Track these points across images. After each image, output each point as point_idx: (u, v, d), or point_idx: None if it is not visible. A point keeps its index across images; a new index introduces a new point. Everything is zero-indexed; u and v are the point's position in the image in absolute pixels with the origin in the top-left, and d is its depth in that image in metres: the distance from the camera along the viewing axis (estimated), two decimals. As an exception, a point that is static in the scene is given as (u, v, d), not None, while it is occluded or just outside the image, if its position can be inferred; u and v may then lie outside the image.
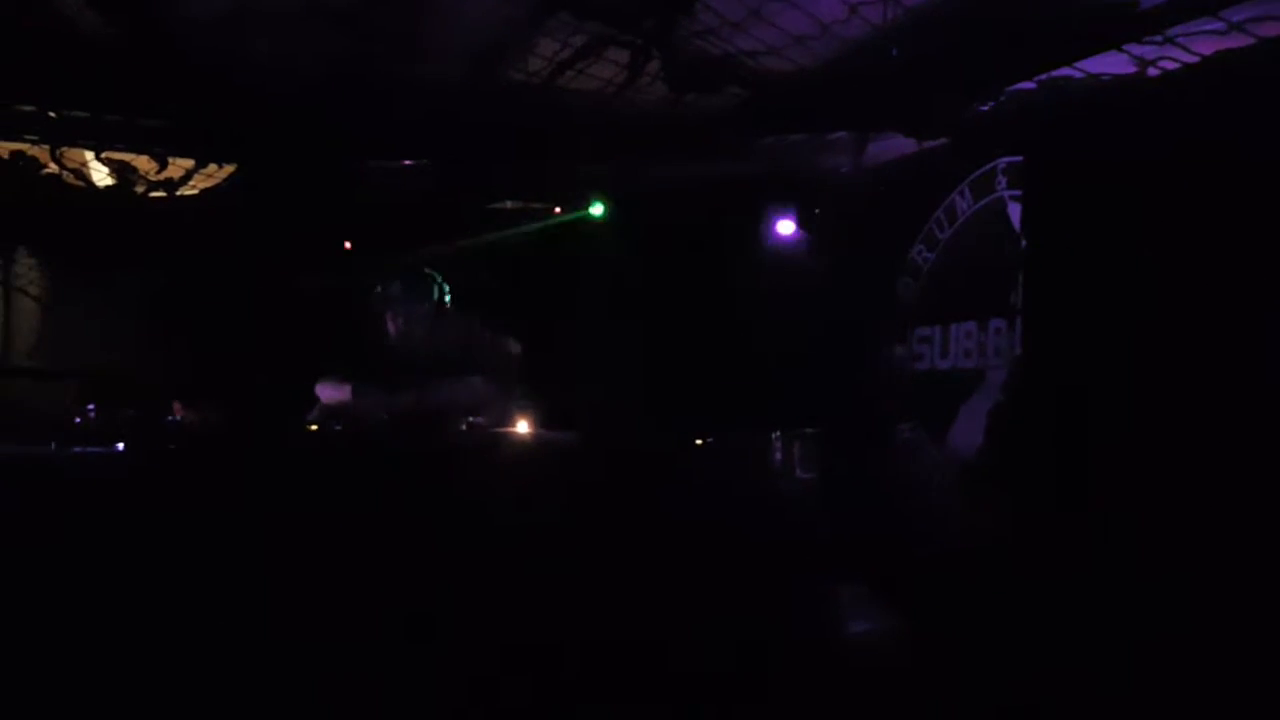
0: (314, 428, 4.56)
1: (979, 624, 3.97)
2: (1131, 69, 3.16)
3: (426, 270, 4.99)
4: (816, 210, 5.46)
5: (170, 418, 4.67)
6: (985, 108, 4.02)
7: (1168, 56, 3.04)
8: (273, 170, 5.07)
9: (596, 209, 5.66)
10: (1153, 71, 3.12)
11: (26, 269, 5.40)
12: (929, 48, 3.50)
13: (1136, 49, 3.13)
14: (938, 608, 4.30)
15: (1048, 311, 3.93)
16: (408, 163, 5.26)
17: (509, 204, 6.02)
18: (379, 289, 4.83)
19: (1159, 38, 3.06)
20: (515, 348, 5.07)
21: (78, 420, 4.48)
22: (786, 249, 5.42)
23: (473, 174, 5.33)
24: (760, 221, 5.34)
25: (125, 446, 4.28)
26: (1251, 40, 2.99)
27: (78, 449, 4.24)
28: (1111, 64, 3.22)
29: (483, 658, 3.53)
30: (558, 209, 5.84)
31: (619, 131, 4.22)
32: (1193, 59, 3.02)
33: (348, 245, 5.85)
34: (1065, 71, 3.52)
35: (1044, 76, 3.61)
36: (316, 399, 4.75)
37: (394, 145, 4.90)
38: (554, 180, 5.53)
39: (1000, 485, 4.33)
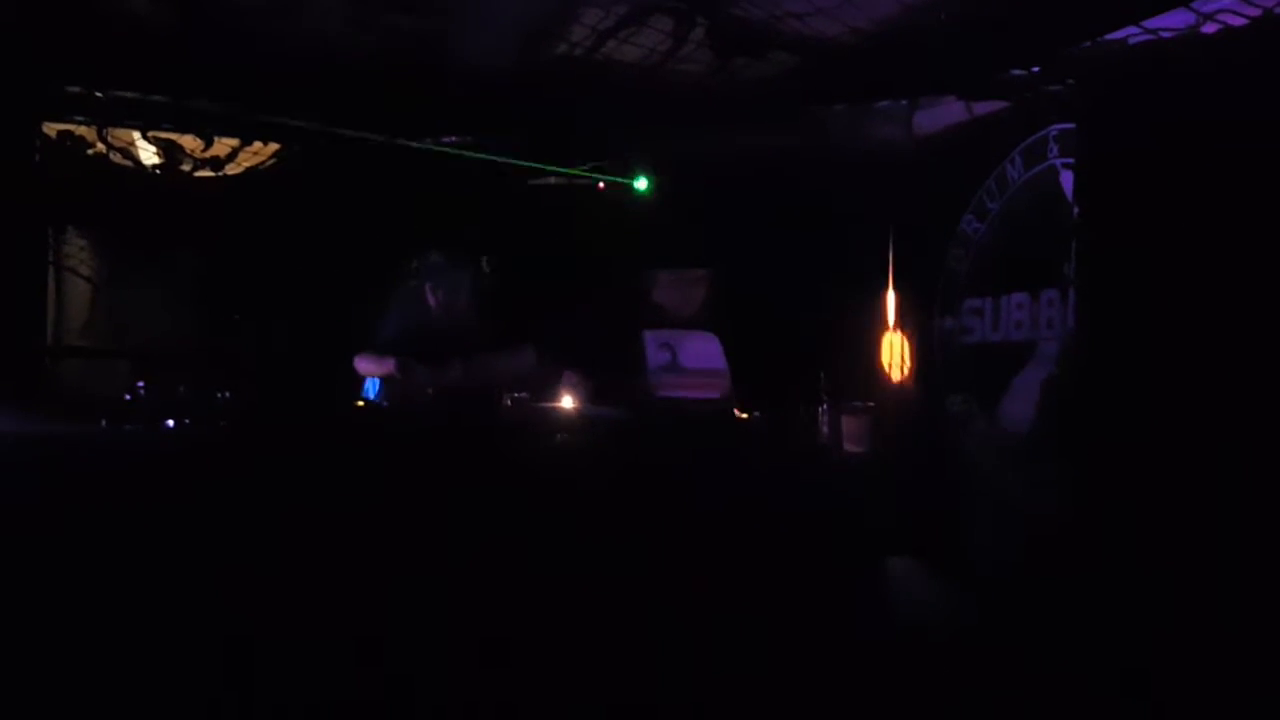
0: (360, 403, 4.57)
1: (1039, 603, 3.90)
2: (1189, 23, 3.04)
3: (467, 241, 4.96)
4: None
5: (221, 394, 4.69)
6: (1038, 70, 3.92)
7: (1229, 10, 2.93)
8: (322, 148, 5.08)
9: (641, 183, 5.61)
10: (1209, 27, 2.99)
11: (77, 249, 5.45)
12: (980, 8, 3.42)
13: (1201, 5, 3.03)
14: (996, 587, 4.23)
15: (1101, 282, 3.83)
16: (453, 139, 5.25)
17: (553, 179, 5.99)
18: (416, 262, 4.80)
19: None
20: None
21: (127, 398, 4.51)
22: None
23: (517, 148, 5.30)
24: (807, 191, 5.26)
25: (175, 424, 4.31)
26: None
27: (128, 427, 4.26)
28: (1168, 19, 3.11)
29: (521, 637, 3.50)
30: (601, 184, 5.79)
31: (664, 102, 4.17)
32: (1255, 12, 2.90)
33: None
34: (1120, 33, 3.42)
35: (1099, 38, 3.50)
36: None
37: (439, 121, 4.88)
38: (598, 153, 5.49)
39: (1053, 459, 4.25)
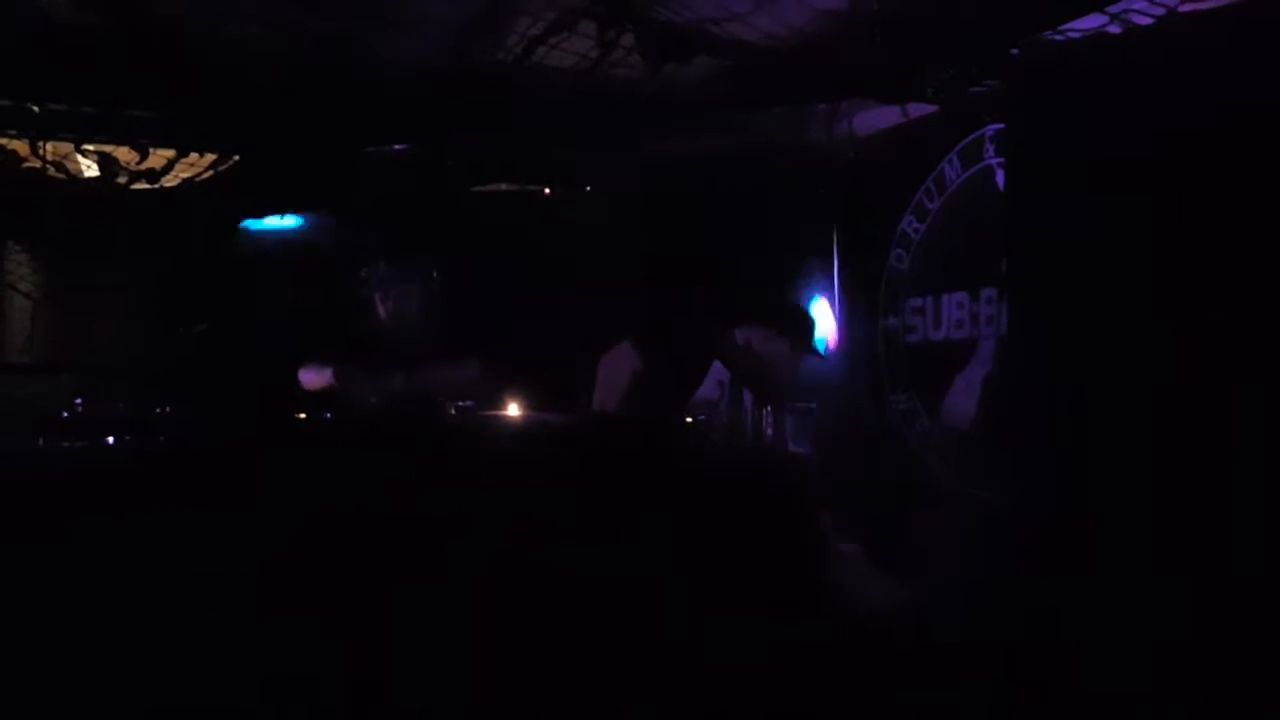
0: (302, 415, 4.55)
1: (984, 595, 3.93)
2: (1101, 23, 3.08)
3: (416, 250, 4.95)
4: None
5: (161, 409, 4.65)
6: (970, 73, 3.96)
7: (1134, 10, 2.97)
8: (263, 158, 5.05)
9: (586, 189, 5.61)
10: (1113, 28, 3.03)
11: (16, 265, 5.39)
12: (911, 11, 3.45)
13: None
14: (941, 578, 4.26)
15: (1031, 282, 3.87)
16: (398, 148, 5.22)
17: (504, 186, 5.97)
18: (365, 271, 4.79)
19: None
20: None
21: (65, 415, 4.47)
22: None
23: (461, 157, 5.29)
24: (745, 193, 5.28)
25: (115, 440, 4.27)
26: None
27: (66, 444, 4.22)
28: (1087, 20, 3.15)
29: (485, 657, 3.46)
30: (547, 190, 5.79)
31: (599, 107, 4.18)
32: (1160, 10, 2.95)
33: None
34: (1047, 33, 3.45)
35: (1023, 39, 3.54)
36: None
37: (377, 129, 4.86)
38: (543, 160, 5.48)
39: (995, 456, 4.29)
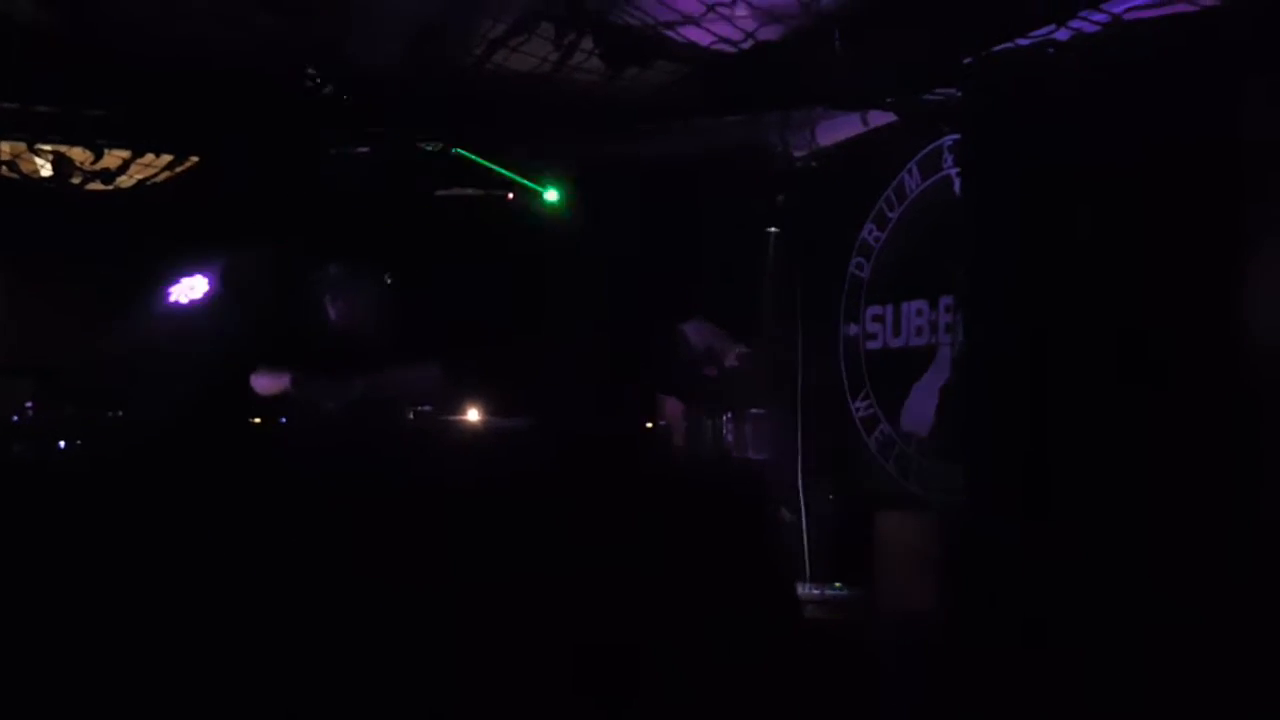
0: (257, 420, 4.48)
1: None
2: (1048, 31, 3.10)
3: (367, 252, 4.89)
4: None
5: (113, 413, 4.58)
6: (927, 84, 3.99)
7: (1086, 19, 2.99)
8: (222, 160, 5.00)
9: (551, 194, 5.58)
10: (1062, 34, 3.04)
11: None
12: (867, 22, 3.47)
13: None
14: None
15: (986, 290, 3.89)
16: (362, 150, 5.19)
17: (470, 190, 5.93)
18: (315, 274, 4.70)
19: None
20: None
21: (15, 419, 4.38)
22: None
23: (423, 159, 5.26)
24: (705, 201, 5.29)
25: (66, 445, 4.19)
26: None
27: (16, 448, 4.15)
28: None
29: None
30: (510, 195, 5.76)
31: (560, 110, 4.17)
32: (1105, 18, 2.96)
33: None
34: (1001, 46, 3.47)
35: (983, 51, 3.55)
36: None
37: (337, 131, 4.82)
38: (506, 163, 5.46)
39: (952, 462, 4.31)
